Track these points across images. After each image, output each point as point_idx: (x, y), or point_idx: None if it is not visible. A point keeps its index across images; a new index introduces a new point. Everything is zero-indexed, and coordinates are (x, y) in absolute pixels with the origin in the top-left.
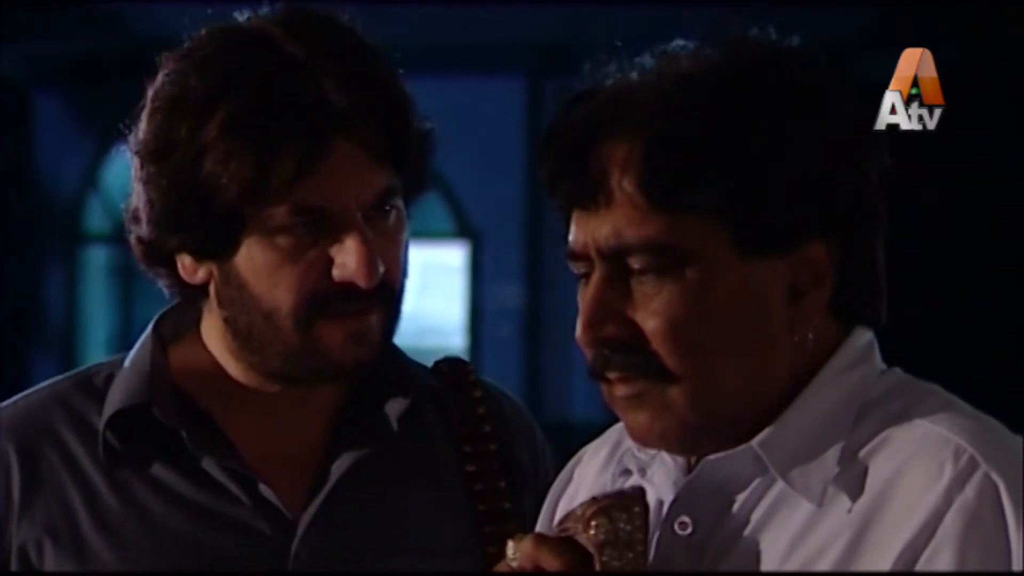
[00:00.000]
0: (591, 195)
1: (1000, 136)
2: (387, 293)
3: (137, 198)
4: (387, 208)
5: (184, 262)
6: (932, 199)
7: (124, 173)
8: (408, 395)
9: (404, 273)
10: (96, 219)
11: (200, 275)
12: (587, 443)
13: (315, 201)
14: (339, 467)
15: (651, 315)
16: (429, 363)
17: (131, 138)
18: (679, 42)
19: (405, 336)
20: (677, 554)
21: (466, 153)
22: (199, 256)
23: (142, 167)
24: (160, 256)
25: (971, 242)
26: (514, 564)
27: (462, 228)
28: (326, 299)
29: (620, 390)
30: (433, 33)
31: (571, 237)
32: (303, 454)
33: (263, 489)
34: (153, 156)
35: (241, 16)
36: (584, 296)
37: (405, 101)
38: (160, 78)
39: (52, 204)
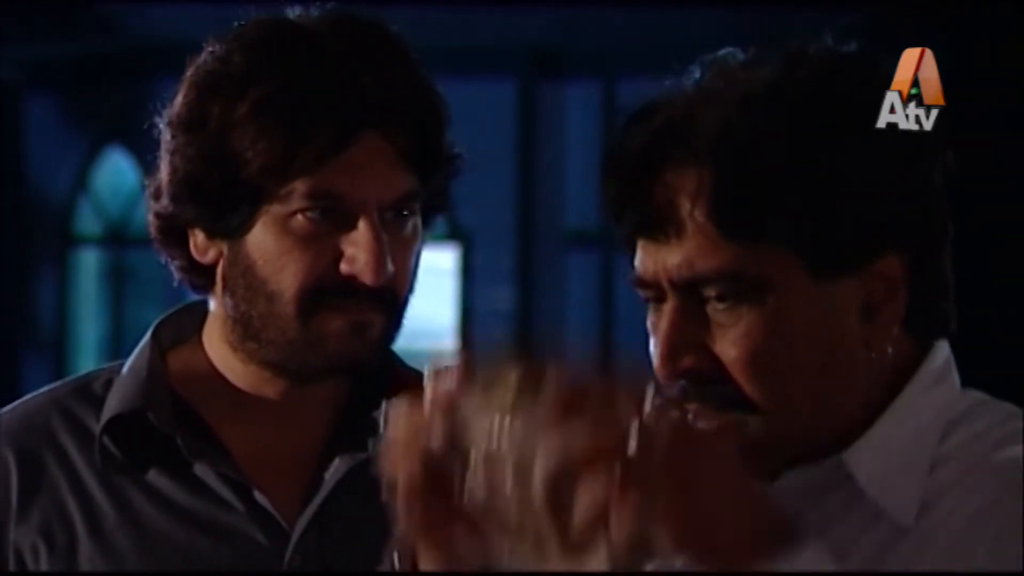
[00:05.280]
0: (660, 225)
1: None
2: (390, 299)
3: (162, 171)
4: (405, 214)
5: (196, 239)
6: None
7: (115, 176)
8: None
9: (411, 285)
10: (87, 222)
11: (211, 255)
12: None
13: (335, 188)
14: (334, 474)
15: (729, 345)
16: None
17: (165, 111)
18: (729, 51)
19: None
20: None
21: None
22: (212, 233)
23: (172, 137)
24: (175, 231)
25: (970, 241)
26: None
27: (453, 230)
28: (329, 291)
29: (702, 422)
30: (424, 35)
31: (639, 264)
32: (299, 460)
33: (258, 496)
34: (185, 126)
35: (291, 12)
36: (659, 327)
37: (441, 111)
38: (203, 55)
39: (43, 207)
